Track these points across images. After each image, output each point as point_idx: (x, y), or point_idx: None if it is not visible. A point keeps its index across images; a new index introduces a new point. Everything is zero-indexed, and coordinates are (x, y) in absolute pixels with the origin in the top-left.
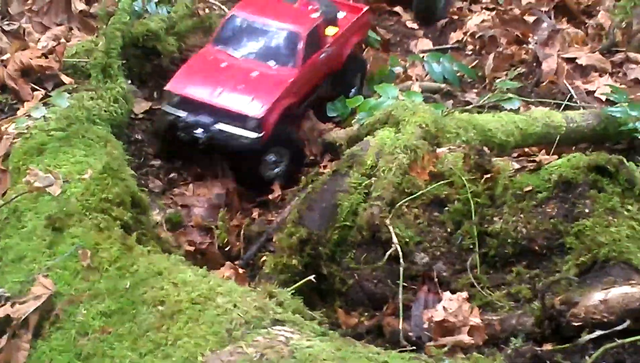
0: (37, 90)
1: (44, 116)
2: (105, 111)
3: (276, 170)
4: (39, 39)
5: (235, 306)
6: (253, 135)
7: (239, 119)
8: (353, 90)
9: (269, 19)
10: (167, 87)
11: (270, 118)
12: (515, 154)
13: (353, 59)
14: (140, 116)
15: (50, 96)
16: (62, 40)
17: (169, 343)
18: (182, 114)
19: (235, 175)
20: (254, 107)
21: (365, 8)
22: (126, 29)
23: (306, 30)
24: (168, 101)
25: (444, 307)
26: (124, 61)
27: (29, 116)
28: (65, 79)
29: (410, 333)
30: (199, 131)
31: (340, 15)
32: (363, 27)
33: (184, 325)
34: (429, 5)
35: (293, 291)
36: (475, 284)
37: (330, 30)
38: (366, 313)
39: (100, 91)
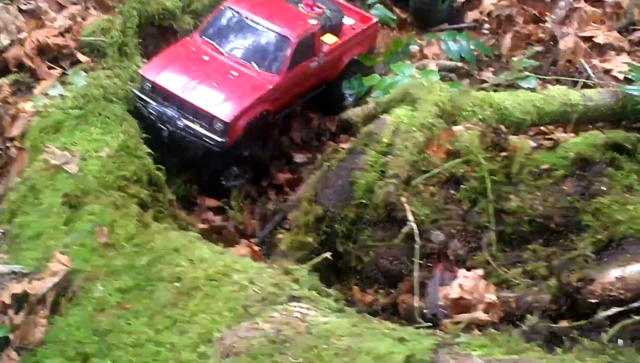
0: (53, 68)
1: (60, 95)
2: (121, 90)
3: (237, 182)
4: (56, 17)
5: (251, 282)
6: (218, 138)
7: (206, 119)
8: (350, 98)
9: (262, 18)
10: (141, 71)
11: (238, 124)
12: (532, 133)
13: (352, 66)
14: None
15: (67, 75)
16: (79, 19)
17: (185, 319)
18: (151, 101)
19: (198, 175)
20: (223, 109)
21: (375, 19)
22: (142, 7)
23: (298, 36)
24: (140, 86)
25: (459, 285)
26: (140, 40)
27: (46, 94)
28: (82, 57)
29: (425, 311)
30: (165, 123)
31: (349, 21)
32: (368, 39)
33: (200, 301)
34: (426, 10)
35: (309, 268)
36: (491, 261)
37: (329, 39)
38: (382, 291)
39: (116, 69)
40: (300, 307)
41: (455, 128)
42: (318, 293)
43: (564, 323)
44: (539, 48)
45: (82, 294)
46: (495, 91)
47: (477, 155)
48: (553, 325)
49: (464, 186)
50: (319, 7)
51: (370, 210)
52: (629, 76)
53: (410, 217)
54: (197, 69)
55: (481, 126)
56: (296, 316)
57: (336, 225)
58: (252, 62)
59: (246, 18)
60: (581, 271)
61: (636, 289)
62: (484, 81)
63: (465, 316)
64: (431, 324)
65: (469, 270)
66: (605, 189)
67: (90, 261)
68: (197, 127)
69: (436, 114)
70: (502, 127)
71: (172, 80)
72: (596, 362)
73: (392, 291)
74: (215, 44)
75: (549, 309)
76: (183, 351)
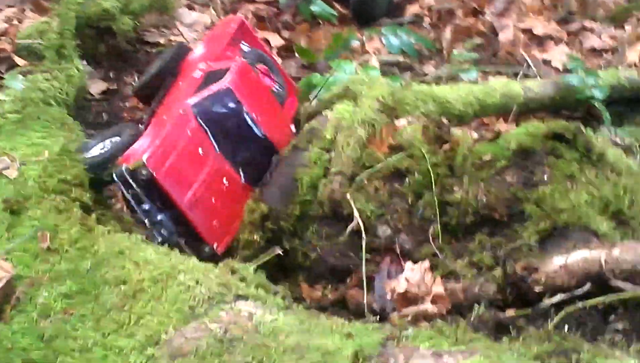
0: None
1: None
2: (60, 93)
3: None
4: None
5: (197, 283)
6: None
7: (199, 239)
8: None
9: (261, 118)
10: (143, 158)
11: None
12: (474, 124)
13: None
14: (98, 96)
15: (3, 79)
16: (15, 22)
17: (132, 322)
18: (144, 198)
19: None
20: (218, 237)
21: (296, 97)
22: (80, 9)
23: (284, 151)
24: (132, 170)
25: (406, 278)
26: (78, 42)
27: None
28: (19, 61)
29: (374, 305)
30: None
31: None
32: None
33: (146, 304)
34: (366, 5)
35: (255, 266)
36: (438, 253)
37: None
38: (329, 286)
39: (55, 72)
40: (248, 306)
41: (397, 122)
42: (265, 291)
43: (510, 312)
44: (479, 40)
45: (26, 300)
46: (437, 84)
47: (420, 148)
48: (500, 314)
49: (408, 180)
50: (272, 80)
51: (315, 207)
52: (568, 66)
53: (356, 214)
54: (195, 170)
55: (424, 120)
56: (243, 315)
57: (282, 222)
58: (240, 170)
59: (246, 113)
60: (525, 261)
61: (580, 276)
62: (426, 75)
63: (412, 309)
64: (379, 318)
65: (415, 262)
66: (546, 178)
67: (34, 267)
68: (185, 242)
69: (378, 109)
70: (445, 120)
71: (174, 182)
72: (542, 348)
73: (340, 286)
74: (209, 134)
75: (496, 299)
76: (131, 354)
